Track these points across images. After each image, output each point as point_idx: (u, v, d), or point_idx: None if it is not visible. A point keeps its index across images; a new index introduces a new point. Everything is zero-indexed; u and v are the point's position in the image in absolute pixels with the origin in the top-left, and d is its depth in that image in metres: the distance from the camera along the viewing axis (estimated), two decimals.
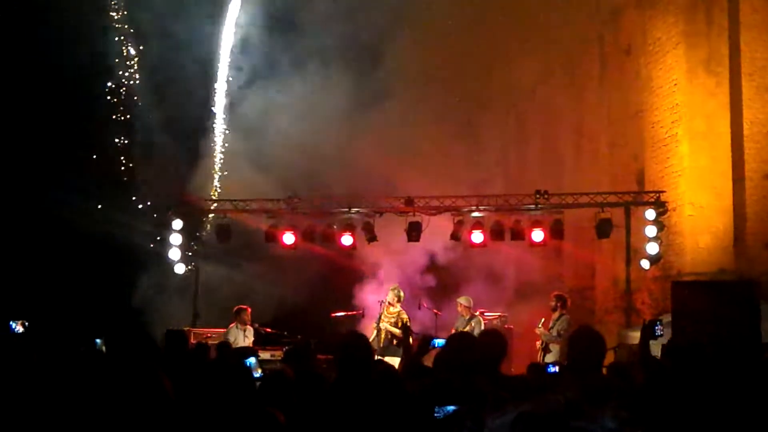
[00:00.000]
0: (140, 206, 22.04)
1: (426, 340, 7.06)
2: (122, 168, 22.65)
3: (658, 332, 6.15)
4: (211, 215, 18.27)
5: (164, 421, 2.91)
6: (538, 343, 13.22)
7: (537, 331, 13.21)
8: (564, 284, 21.51)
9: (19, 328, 6.60)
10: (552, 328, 13.08)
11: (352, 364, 4.13)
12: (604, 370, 7.11)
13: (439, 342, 8.36)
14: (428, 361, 7.57)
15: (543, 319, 13.25)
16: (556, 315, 13.23)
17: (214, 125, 23.40)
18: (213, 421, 4.44)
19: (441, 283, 19.02)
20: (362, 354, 4.56)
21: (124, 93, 22.86)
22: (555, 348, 12.80)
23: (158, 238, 18.56)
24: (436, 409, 3.09)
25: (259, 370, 5.05)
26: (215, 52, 23.55)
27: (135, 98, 22.86)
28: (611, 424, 1.44)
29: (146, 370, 3.02)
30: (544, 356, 12.86)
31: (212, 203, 18.79)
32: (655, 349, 6.52)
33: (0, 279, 17.35)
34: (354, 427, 3.86)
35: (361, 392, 3.82)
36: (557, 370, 6.57)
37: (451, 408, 3.22)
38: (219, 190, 21.99)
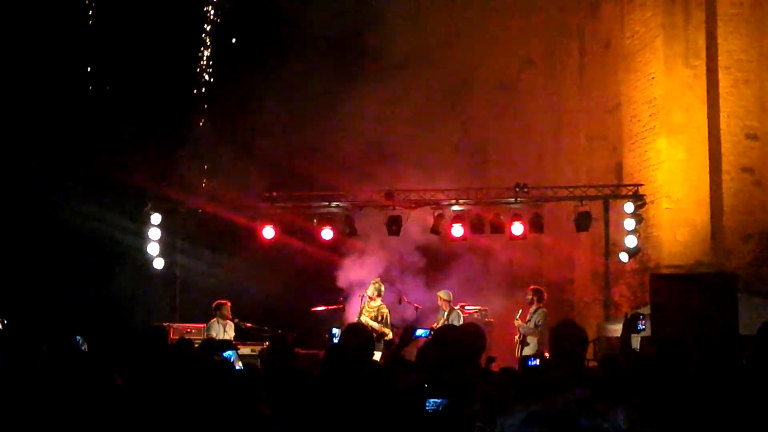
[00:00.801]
0: (117, 200, 21.85)
1: (409, 331, 7.08)
2: (98, 160, 22.46)
3: (641, 326, 6.18)
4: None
5: (114, 417, 2.88)
6: (516, 337, 13.27)
7: (515, 323, 13.27)
8: (543, 277, 21.60)
9: None
10: (529, 320, 13.13)
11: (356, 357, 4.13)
12: (594, 363, 7.17)
13: (423, 332, 8.38)
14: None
15: (520, 311, 13.31)
16: (533, 308, 13.28)
17: (192, 116, 23.19)
18: (198, 416, 4.41)
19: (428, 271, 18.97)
20: (364, 345, 4.58)
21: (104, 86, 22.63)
22: (532, 340, 12.86)
23: (136, 232, 18.41)
24: (428, 402, 3.09)
25: (239, 364, 5.04)
26: (196, 40, 23.35)
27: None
28: (624, 424, 1.42)
29: (94, 367, 2.99)
30: (522, 349, 12.91)
31: (191, 197, 18.65)
32: (635, 342, 6.56)
33: None
34: (346, 422, 3.86)
35: (351, 387, 3.81)
36: (537, 363, 6.59)
37: (440, 400, 3.22)
38: (202, 184, 21.84)
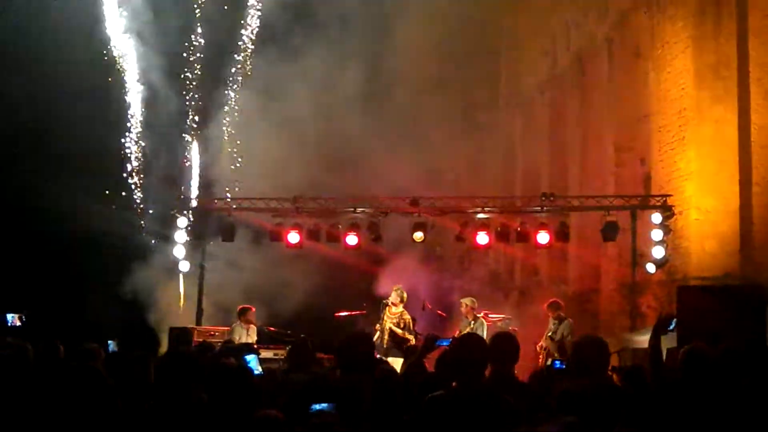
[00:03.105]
0: (144, 205, 22.02)
1: (431, 340, 7.03)
2: (125, 166, 22.62)
3: (671, 327, 6.13)
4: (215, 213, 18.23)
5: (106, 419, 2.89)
6: (539, 347, 13.17)
7: (543, 343, 13.11)
8: (568, 287, 21.47)
9: (17, 322, 6.59)
10: (554, 335, 13.01)
11: (354, 362, 4.12)
12: (615, 375, 7.11)
13: (446, 342, 8.36)
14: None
15: (544, 338, 13.18)
16: (556, 322, 13.15)
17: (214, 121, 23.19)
18: (216, 420, 4.42)
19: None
20: (364, 352, 4.56)
21: (127, 88, 22.73)
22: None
23: (162, 236, 18.53)
24: (312, 407, 3.01)
25: (260, 368, 5.04)
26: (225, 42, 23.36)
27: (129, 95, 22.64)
28: None
29: (87, 370, 2.99)
30: (547, 359, 12.80)
31: (217, 202, 18.75)
32: (664, 344, 6.49)
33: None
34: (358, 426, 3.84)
35: (362, 390, 3.80)
36: (564, 366, 6.54)
37: (325, 405, 3.15)
38: (225, 190, 21.91)
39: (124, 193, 22.04)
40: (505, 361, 5.24)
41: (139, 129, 22.80)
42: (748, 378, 5.81)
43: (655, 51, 19.67)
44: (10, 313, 6.51)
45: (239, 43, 23.55)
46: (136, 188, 22.38)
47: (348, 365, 3.99)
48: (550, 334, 13.15)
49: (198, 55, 23.02)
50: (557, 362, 6.52)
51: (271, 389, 5.41)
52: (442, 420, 4.36)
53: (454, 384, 4.65)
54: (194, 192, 21.64)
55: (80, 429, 2.84)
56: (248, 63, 23.34)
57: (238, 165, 22.00)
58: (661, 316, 6.07)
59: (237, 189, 20.08)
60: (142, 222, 21.44)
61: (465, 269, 22.00)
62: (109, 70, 22.21)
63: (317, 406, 3.03)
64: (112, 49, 22.08)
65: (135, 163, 22.55)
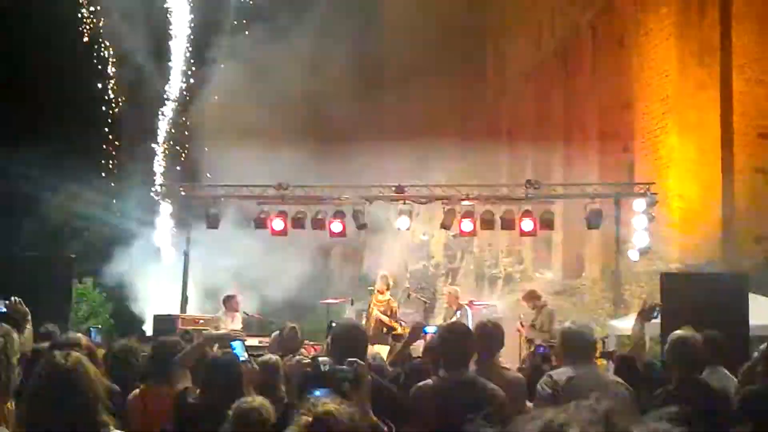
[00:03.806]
0: (127, 190, 21.84)
1: (417, 328, 7.08)
2: (110, 152, 22.44)
3: (655, 315, 6.18)
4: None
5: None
6: (519, 331, 13.15)
7: (524, 333, 13.08)
8: (553, 274, 21.58)
9: (1, 308, 6.54)
10: (534, 323, 12.99)
11: (348, 350, 4.13)
12: (602, 360, 7.15)
13: (431, 330, 8.40)
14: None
15: (520, 320, 13.16)
16: (534, 312, 13.13)
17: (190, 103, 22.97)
18: (201, 407, 4.43)
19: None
20: (359, 340, 4.59)
21: (113, 75, 22.53)
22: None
23: (146, 223, 18.41)
24: (311, 392, 3.03)
25: (245, 355, 5.04)
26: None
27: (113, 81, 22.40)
28: None
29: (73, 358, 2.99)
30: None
31: (201, 188, 18.64)
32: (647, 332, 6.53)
33: None
34: None
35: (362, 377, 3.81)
36: (548, 350, 6.58)
37: (322, 390, 3.17)
38: (208, 175, 21.77)
39: (105, 176, 21.84)
40: (491, 349, 5.27)
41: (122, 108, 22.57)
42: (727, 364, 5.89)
43: (638, 38, 19.72)
44: None
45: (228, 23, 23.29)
46: (117, 172, 22.20)
47: (342, 353, 4.00)
48: (531, 322, 13.12)
49: (186, 34, 22.74)
50: (541, 347, 6.55)
51: (267, 377, 5.44)
52: (431, 409, 4.39)
53: (440, 373, 4.68)
54: (178, 177, 21.47)
55: (68, 417, 2.84)
56: (233, 43, 23.06)
57: (222, 150, 21.86)
58: (645, 305, 6.09)
59: (212, 175, 19.90)
60: (126, 208, 21.29)
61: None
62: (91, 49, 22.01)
63: (317, 392, 3.04)
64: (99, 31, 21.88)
65: (118, 146, 22.36)
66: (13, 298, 6.19)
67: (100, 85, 22.16)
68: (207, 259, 18.27)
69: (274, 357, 6.06)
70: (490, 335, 5.33)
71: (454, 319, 13.12)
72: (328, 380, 3.54)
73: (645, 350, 6.04)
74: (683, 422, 1.33)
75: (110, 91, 22.10)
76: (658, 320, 6.67)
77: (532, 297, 13.24)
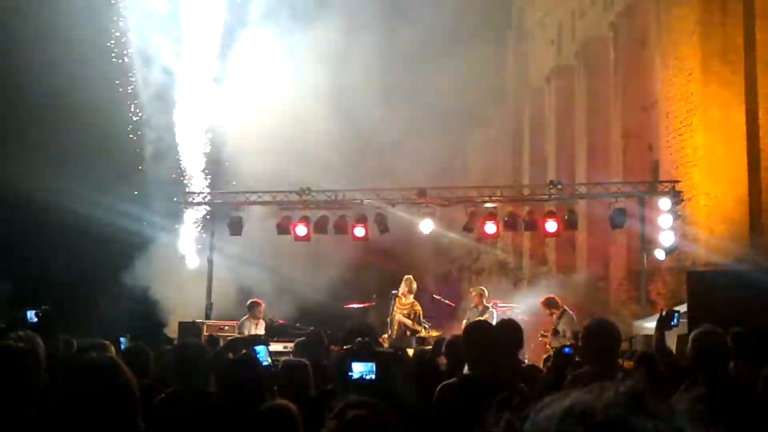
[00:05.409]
0: (151, 198, 21.92)
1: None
2: (133, 159, 22.49)
3: (674, 322, 6.09)
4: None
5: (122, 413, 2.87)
6: (543, 340, 13.05)
7: (545, 340, 12.97)
8: (578, 275, 21.44)
9: (34, 318, 6.60)
10: (556, 330, 12.87)
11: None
12: (629, 362, 7.08)
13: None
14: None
15: (542, 332, 13.05)
16: (555, 318, 13.00)
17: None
18: (227, 413, 4.43)
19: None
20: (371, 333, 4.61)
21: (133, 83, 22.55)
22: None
23: (170, 230, 18.48)
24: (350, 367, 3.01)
25: (269, 360, 5.05)
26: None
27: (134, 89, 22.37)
28: (684, 425, 1.20)
29: (104, 364, 2.98)
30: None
31: (224, 195, 18.69)
32: (669, 339, 6.45)
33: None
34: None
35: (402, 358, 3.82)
36: (572, 351, 6.53)
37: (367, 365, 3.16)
38: (234, 183, 21.79)
39: (130, 186, 21.92)
40: (511, 347, 5.26)
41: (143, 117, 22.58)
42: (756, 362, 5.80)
43: (661, 37, 19.59)
44: (30, 309, 6.57)
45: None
46: (142, 181, 22.25)
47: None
48: (553, 329, 12.99)
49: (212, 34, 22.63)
50: (567, 348, 6.50)
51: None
52: (457, 407, 4.37)
53: (465, 371, 4.67)
54: (201, 185, 21.51)
55: (96, 421, 2.84)
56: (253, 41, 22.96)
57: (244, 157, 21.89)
58: (662, 313, 6.01)
59: (234, 184, 19.92)
60: (150, 215, 21.37)
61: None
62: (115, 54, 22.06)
63: (358, 370, 3.05)
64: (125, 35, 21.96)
65: (141, 155, 22.40)
66: (43, 307, 6.25)
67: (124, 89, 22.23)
68: (231, 266, 18.32)
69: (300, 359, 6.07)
70: (508, 333, 5.31)
71: (479, 318, 13.06)
72: (370, 356, 3.54)
73: (667, 355, 5.94)
74: (708, 415, 1.28)
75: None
76: (677, 325, 6.56)
77: (549, 305, 13.09)
